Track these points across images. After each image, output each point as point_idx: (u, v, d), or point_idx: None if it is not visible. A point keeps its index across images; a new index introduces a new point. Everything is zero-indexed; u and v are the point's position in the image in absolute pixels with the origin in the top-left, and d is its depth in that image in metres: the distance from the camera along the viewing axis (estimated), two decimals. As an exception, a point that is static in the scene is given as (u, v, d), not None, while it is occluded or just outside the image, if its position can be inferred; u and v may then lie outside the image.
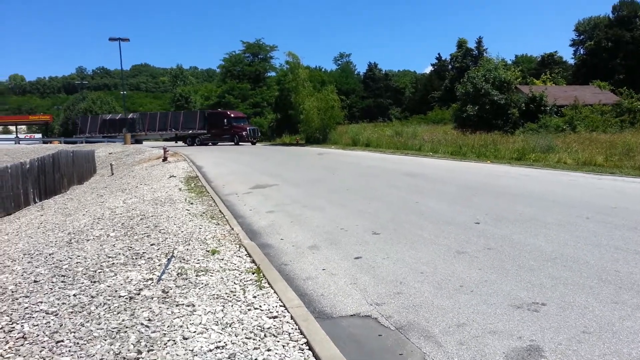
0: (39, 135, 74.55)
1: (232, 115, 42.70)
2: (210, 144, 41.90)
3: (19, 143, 57.04)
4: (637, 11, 59.60)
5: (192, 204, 9.75)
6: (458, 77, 50.17)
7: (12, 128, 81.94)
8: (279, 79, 53.89)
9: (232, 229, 7.39)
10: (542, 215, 7.66)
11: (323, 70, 78.69)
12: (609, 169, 14.01)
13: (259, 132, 43.44)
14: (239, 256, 5.88)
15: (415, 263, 5.45)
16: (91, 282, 4.97)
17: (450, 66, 71.68)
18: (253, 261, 5.64)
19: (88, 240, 6.95)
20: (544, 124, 28.89)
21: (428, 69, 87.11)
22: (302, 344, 3.54)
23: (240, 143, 40.21)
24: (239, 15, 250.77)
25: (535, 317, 3.86)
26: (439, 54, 78.28)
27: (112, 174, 21.02)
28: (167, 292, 4.65)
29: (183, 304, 4.33)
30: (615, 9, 64.16)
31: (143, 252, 6.07)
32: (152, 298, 4.49)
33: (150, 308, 4.24)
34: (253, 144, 40.67)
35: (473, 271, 5.07)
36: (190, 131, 42.55)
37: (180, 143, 44.42)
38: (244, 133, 40.53)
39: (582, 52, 67.43)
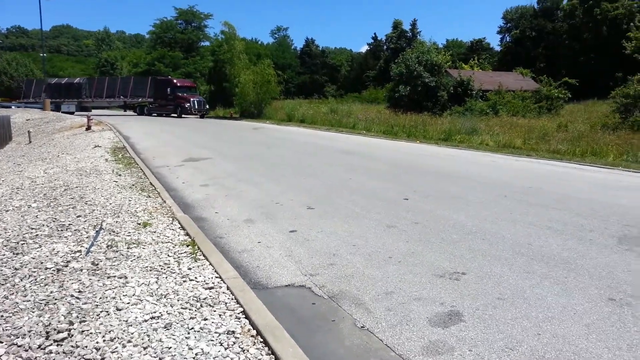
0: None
1: (178, 83, 38.74)
2: (155, 114, 38.36)
3: None
4: (559, 3, 63.36)
5: (120, 175, 9.41)
6: (392, 58, 51.16)
7: None
8: (213, 49, 52.22)
9: (164, 201, 7.24)
10: (465, 193, 8.15)
11: (260, 42, 77.39)
12: (526, 152, 15.04)
13: (206, 105, 38.78)
14: (172, 229, 5.81)
15: (348, 236, 5.65)
16: (13, 254, 4.73)
17: (385, 46, 72.88)
18: (187, 234, 5.59)
19: (7, 210, 6.55)
20: (470, 107, 30.31)
21: (364, 49, 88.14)
22: (238, 313, 3.62)
23: (183, 115, 36.89)
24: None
25: (456, 285, 4.19)
26: (375, 33, 79.45)
27: (30, 142, 19.66)
28: (97, 264, 4.53)
29: (115, 276, 4.25)
30: (540, 0, 67.76)
31: (69, 224, 5.83)
32: (82, 270, 4.36)
33: (80, 280, 4.13)
34: (201, 117, 37.20)
35: (401, 243, 5.36)
36: (140, 99, 39.43)
37: (130, 112, 41.02)
38: (187, 105, 36.45)
39: (508, 40, 70.88)
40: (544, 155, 14.10)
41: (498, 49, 73.41)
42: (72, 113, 36.68)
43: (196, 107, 36.59)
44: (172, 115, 37.39)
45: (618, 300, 3.88)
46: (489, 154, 14.68)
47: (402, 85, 34.11)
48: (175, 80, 39.21)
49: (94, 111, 41.40)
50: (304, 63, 78.07)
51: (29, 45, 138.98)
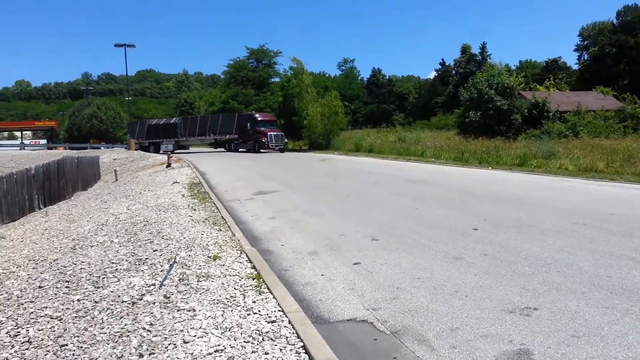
0: (44, 141, 75.12)
1: (259, 118, 37.48)
2: (241, 150, 37.57)
3: (24, 149, 57.49)
4: (641, 16, 59.63)
5: (194, 210, 9.88)
6: (461, 83, 50.35)
7: (18, 134, 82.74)
8: (282, 84, 54.11)
9: (234, 235, 7.51)
10: (540, 221, 7.74)
11: (327, 75, 79.12)
12: (609, 175, 14.06)
13: (284, 139, 36.90)
14: (240, 262, 5.99)
15: (412, 269, 5.54)
16: (95, 287, 5.09)
17: (453, 72, 71.78)
18: (253, 267, 5.75)
19: (92, 246, 7.08)
20: (547, 130, 28.94)
21: (432, 75, 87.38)
22: (298, 348, 3.64)
23: (262, 150, 35.47)
24: (243, 21, 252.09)
25: (526, 322, 3.95)
26: (442, 59, 78.38)
27: (117, 180, 21.21)
28: (169, 297, 4.76)
29: (184, 309, 4.44)
30: (619, 14, 64.22)
31: (146, 258, 6.19)
32: (154, 303, 4.60)
33: (152, 313, 4.35)
34: (281, 151, 35.47)
35: (469, 276, 5.16)
36: (227, 136, 38.90)
37: (220, 149, 40.94)
38: (263, 139, 35.08)
39: (585, 58, 67.51)
40: (629, 179, 13.11)
41: (575, 67, 70.07)
42: (171, 152, 37.09)
43: (273, 141, 35.23)
44: (252, 150, 36.67)
45: None
46: (568, 178, 13.87)
47: (472, 110, 33.29)
48: (256, 115, 38.34)
49: (191, 149, 43.10)
50: (371, 93, 78.58)
51: (117, 89, 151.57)
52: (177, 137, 40.63)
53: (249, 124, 36.64)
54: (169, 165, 22.01)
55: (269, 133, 35.29)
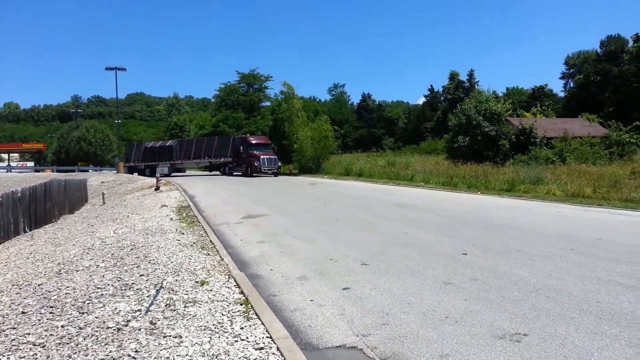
0: (32, 164, 74.49)
1: (253, 141, 36.37)
2: (236, 173, 36.33)
3: (11, 171, 56.91)
4: (624, 46, 61.38)
5: (182, 234, 9.79)
6: (450, 109, 51.06)
7: (5, 156, 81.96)
8: (273, 108, 54.44)
9: (222, 259, 7.43)
10: (528, 246, 7.77)
11: (317, 100, 79.91)
12: (596, 201, 14.22)
13: (278, 162, 35.41)
14: (228, 287, 5.92)
15: (402, 294, 5.51)
16: (79, 313, 4.99)
17: (442, 97, 72.92)
18: (242, 292, 5.68)
19: (77, 270, 6.96)
20: (534, 156, 29.34)
21: (421, 100, 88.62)
22: (286, 375, 3.58)
23: (254, 174, 34.14)
24: (234, 45, 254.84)
25: (516, 348, 3.94)
26: (431, 85, 79.91)
27: (104, 203, 21.00)
28: (155, 323, 4.68)
29: (170, 335, 4.36)
30: (603, 44, 66.11)
31: (132, 283, 6.10)
32: (140, 329, 4.52)
33: (137, 339, 4.27)
34: (275, 175, 34.26)
35: (458, 302, 5.14)
36: (222, 159, 37.77)
37: (216, 172, 39.81)
38: (255, 163, 33.91)
39: (571, 86, 69.04)
40: (615, 205, 13.26)
41: (562, 95, 71.56)
42: (167, 175, 36.53)
43: (265, 164, 34.00)
44: (245, 174, 35.23)
45: None
46: (556, 204, 13.99)
47: (461, 135, 33.74)
48: (250, 138, 37.24)
49: (187, 172, 42.58)
50: (361, 117, 79.41)
51: (107, 112, 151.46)
52: (173, 159, 39.76)
53: (241, 147, 35.58)
54: (157, 189, 21.87)
55: (261, 157, 34.21)
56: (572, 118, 46.60)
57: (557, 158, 28.65)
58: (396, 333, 4.40)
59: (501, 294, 5.34)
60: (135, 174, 40.01)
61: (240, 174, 35.63)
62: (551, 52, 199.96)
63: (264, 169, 33.93)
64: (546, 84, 69.63)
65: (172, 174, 38.81)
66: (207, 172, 42.51)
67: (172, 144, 41.53)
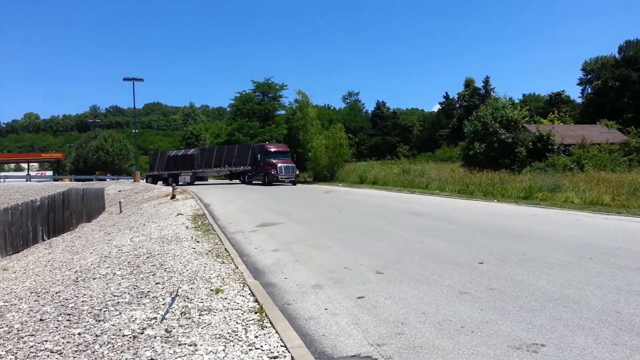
0: (50, 173, 75.80)
1: (271, 149, 35.94)
2: (255, 182, 35.94)
3: (30, 180, 57.96)
4: (644, 51, 60.48)
5: (198, 242, 9.86)
6: (465, 116, 50.80)
7: (25, 165, 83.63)
8: (287, 117, 54.76)
9: (237, 267, 7.46)
10: (546, 255, 7.66)
11: (332, 108, 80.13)
12: (615, 209, 13.96)
13: (295, 171, 34.84)
14: (243, 295, 5.94)
15: (417, 303, 5.46)
16: (96, 320, 5.04)
17: (457, 105, 72.63)
18: (256, 300, 5.69)
19: (94, 278, 7.04)
20: (552, 163, 28.97)
21: (436, 108, 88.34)
22: (300, 385, 3.57)
23: (273, 183, 33.80)
24: (250, 54, 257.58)
25: (533, 358, 3.87)
26: (446, 92, 79.54)
27: (121, 211, 21.26)
28: (170, 331, 4.71)
29: (185, 344, 4.38)
30: (621, 49, 65.21)
31: (148, 291, 6.15)
32: (155, 337, 4.55)
33: (153, 347, 4.30)
34: (293, 184, 33.92)
35: (475, 311, 5.08)
36: (242, 167, 37.33)
37: (236, 181, 39.74)
38: (272, 171, 33.42)
39: (589, 92, 68.15)
40: (635, 213, 13.00)
41: (579, 101, 70.67)
42: (189, 184, 36.95)
43: (283, 173, 33.57)
44: (264, 183, 34.59)
45: None
46: (574, 212, 13.78)
47: (476, 142, 33.49)
48: (268, 146, 37.04)
49: (210, 180, 42.38)
50: (376, 125, 79.36)
51: (124, 122, 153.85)
52: (195, 168, 39.33)
53: (259, 155, 35.25)
54: (173, 197, 22.08)
55: (278, 165, 33.67)
56: (590, 125, 45.98)
57: (575, 165, 28.24)
58: (411, 343, 4.36)
59: (518, 304, 5.26)
60: (160, 183, 40.20)
61: (260, 182, 35.28)
62: (568, 58, 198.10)
63: (282, 177, 33.45)
64: (563, 91, 68.85)
65: (195, 183, 38.63)
66: (227, 181, 42.43)
67: (194, 153, 41.23)
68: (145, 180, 44.58)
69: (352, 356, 4.20)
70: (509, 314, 4.97)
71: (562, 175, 23.09)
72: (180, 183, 37.36)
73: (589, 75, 72.05)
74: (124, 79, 46.39)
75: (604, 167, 27.37)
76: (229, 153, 38.60)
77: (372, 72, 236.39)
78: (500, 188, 20.76)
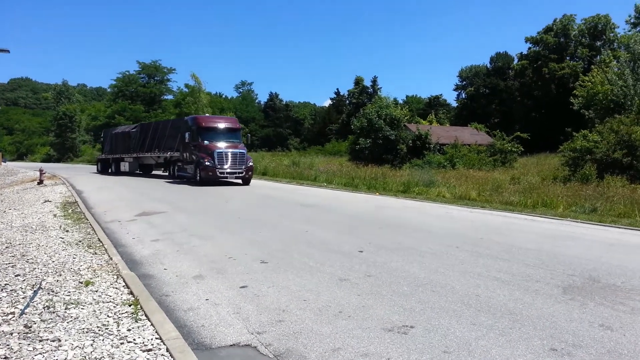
0: None
1: (209, 123, 22.60)
2: (184, 176, 23.53)
3: None
4: (510, 63, 67.58)
5: (67, 231, 9.07)
6: (354, 112, 52.77)
7: None
8: (177, 101, 52.54)
9: (111, 258, 6.99)
10: (419, 244, 8.24)
11: (224, 97, 78.42)
12: (480, 203, 15.46)
13: (249, 162, 22.14)
14: (116, 287, 5.58)
15: (299, 291, 5.56)
16: (-64, 318, 4.41)
17: (347, 101, 75.18)
18: (131, 292, 5.37)
19: (-63, 271, 6.15)
20: (428, 160, 31.27)
21: (327, 103, 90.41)
22: (175, 377, 3.44)
23: (204, 180, 21.07)
24: (135, 34, 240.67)
25: (403, 339, 4.14)
26: (337, 89, 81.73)
27: (-23, 197, 18.82)
28: (31, 326, 4.28)
29: (48, 339, 4.01)
30: (492, 59, 72.10)
31: (5, 284, 5.52)
32: (12, 334, 4.10)
33: (8, 345, 3.87)
34: (245, 182, 21.83)
35: (353, 297, 5.30)
36: (169, 152, 25.48)
37: (158, 172, 31.06)
38: (206, 161, 20.75)
39: (463, 96, 74.53)
40: (497, 207, 14.51)
41: (455, 104, 76.89)
42: (127, 173, 29.69)
43: (225, 163, 21.04)
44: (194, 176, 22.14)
45: (559, 350, 3.91)
46: (445, 205, 15.00)
47: (363, 138, 35.01)
48: (204, 118, 23.47)
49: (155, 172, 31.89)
50: (268, 116, 79.34)
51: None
52: (134, 152, 29.33)
53: (187, 134, 22.26)
54: (41, 182, 20.07)
55: (217, 150, 20.99)
56: (463, 127, 50.38)
57: (448, 163, 30.80)
58: (291, 329, 4.42)
59: (392, 289, 5.59)
60: (111, 170, 32.49)
61: (190, 176, 22.58)
62: (448, 65, 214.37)
63: (221, 172, 20.92)
64: (441, 94, 74.66)
65: (137, 172, 30.93)
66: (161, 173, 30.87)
67: (131, 131, 30.87)
68: (96, 165, 36.31)
69: (231, 345, 4.15)
70: (383, 298, 5.26)
71: (437, 172, 25.03)
72: (121, 169, 30.86)
73: (464, 82, 78.77)
74: (-15, 48, 41.02)
75: (473, 165, 30.19)
76: (162, 131, 27.17)
77: (267, 64, 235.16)
78: (383, 182, 21.97)
